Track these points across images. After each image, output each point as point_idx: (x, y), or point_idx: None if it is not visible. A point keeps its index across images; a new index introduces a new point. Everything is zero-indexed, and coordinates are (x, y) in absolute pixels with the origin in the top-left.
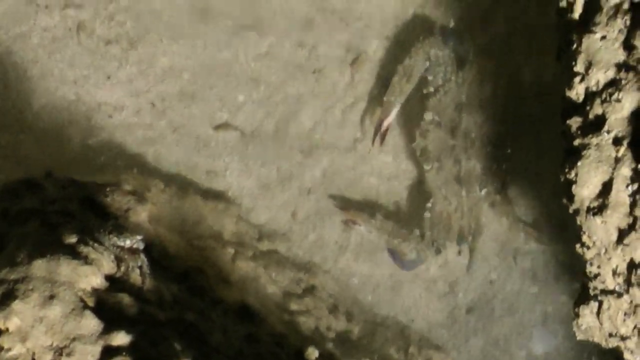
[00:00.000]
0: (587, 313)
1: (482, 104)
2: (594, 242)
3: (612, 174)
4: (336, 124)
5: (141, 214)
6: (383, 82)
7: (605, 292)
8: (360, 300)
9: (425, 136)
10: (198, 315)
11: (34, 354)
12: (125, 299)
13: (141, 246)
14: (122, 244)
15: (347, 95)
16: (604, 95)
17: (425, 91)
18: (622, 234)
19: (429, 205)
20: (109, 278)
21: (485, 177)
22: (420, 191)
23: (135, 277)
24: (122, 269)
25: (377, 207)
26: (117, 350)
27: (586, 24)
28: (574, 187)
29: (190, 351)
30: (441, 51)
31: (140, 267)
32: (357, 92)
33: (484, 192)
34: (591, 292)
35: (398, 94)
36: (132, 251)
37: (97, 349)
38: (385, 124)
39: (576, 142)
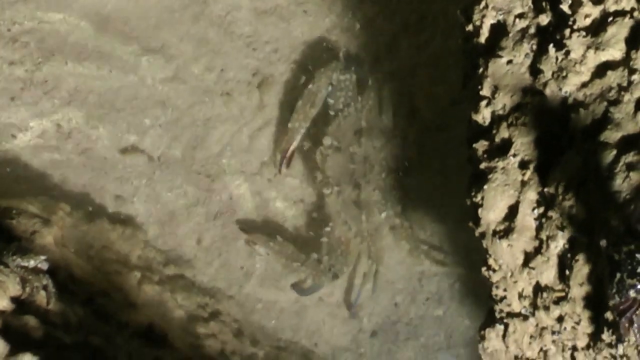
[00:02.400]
0: (493, 336)
1: (382, 130)
2: (500, 266)
3: (518, 197)
4: (243, 148)
5: (47, 237)
6: (289, 106)
7: (511, 315)
8: (264, 325)
9: (324, 160)
10: (103, 339)
11: None
12: (31, 321)
13: (45, 266)
14: (26, 264)
15: (254, 119)
16: (510, 119)
17: (325, 115)
18: (528, 258)
19: (327, 229)
20: (14, 300)
21: (385, 201)
22: (321, 216)
23: (41, 298)
24: (27, 290)
25: (282, 231)
26: None
27: (492, 48)
28: (480, 210)
29: None
30: (343, 75)
31: (45, 288)
32: (265, 116)
33: (383, 215)
34: (497, 315)
35: (302, 119)
36: (37, 271)
37: None
38: (291, 148)
39: (482, 166)
